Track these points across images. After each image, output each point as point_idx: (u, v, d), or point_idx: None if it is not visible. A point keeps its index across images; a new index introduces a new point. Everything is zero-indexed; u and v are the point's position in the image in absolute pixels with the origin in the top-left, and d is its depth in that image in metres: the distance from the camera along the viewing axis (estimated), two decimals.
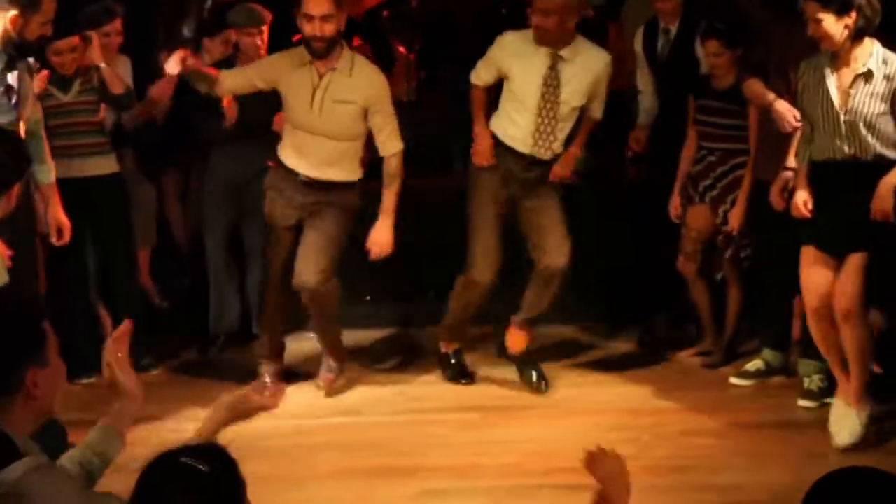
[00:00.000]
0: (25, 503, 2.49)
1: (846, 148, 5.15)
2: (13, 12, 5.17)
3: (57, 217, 5.72)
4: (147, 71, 6.80)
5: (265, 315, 6.37)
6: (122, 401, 3.10)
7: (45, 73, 5.89)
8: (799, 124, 5.57)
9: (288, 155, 5.94)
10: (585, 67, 5.96)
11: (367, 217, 5.98)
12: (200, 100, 6.38)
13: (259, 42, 6.66)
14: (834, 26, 4.99)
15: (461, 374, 6.33)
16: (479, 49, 6.27)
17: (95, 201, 6.13)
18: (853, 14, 4.95)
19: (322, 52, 5.69)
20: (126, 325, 3.17)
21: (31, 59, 5.52)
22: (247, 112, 6.46)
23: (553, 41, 5.89)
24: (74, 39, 6.09)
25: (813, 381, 5.85)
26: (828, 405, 5.62)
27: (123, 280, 6.46)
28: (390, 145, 5.90)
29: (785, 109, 5.70)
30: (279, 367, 6.30)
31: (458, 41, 9.00)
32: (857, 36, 5.01)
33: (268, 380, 6.09)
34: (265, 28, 6.69)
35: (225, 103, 6.43)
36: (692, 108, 6.29)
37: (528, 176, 6.06)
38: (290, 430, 5.58)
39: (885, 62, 5.04)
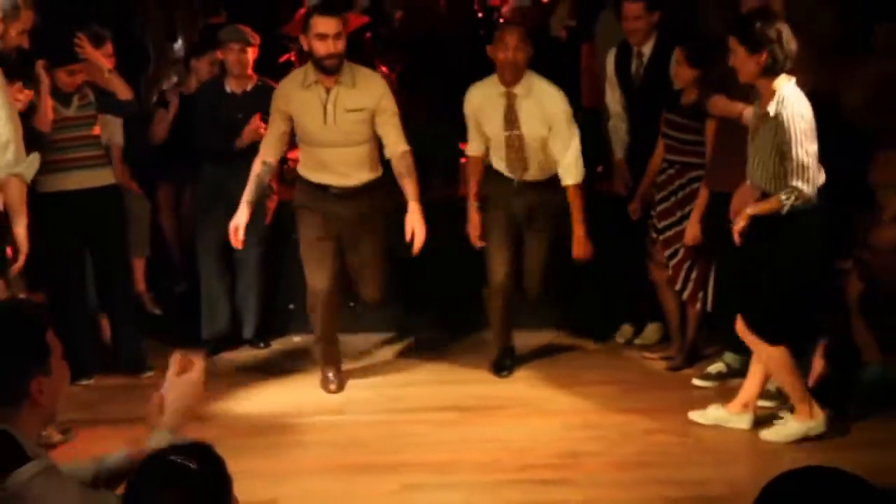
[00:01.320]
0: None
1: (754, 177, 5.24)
2: None
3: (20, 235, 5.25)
4: (135, 90, 6.81)
5: (318, 326, 6.22)
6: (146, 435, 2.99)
7: (19, 85, 5.62)
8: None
9: (312, 174, 5.98)
10: (539, 102, 6.07)
11: None
12: (209, 121, 6.58)
13: (245, 60, 6.68)
14: (746, 61, 5.08)
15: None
16: (459, 69, 6.28)
17: (94, 211, 6.12)
18: (764, 53, 5.00)
19: (335, 68, 5.72)
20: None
21: None
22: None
23: (512, 79, 6.04)
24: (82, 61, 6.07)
25: (770, 382, 5.85)
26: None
27: (120, 287, 6.42)
28: (401, 144, 5.91)
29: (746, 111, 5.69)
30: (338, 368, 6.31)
31: (439, 62, 9.00)
32: (766, 73, 5.05)
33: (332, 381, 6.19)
34: (252, 49, 6.69)
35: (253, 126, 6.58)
36: (662, 122, 6.31)
37: (522, 201, 6.25)
38: (277, 428, 5.57)
39: (781, 102, 5.04)
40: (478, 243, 6.32)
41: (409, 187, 5.86)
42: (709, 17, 6.57)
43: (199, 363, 3.04)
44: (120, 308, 6.41)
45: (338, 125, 5.77)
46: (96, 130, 6.21)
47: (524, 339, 6.74)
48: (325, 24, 5.66)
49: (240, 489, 2.46)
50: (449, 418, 5.78)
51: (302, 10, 8.31)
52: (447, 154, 8.18)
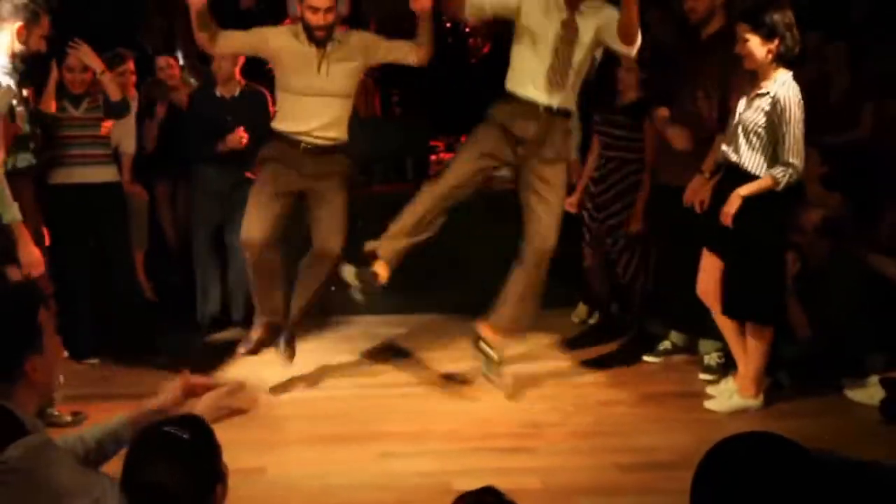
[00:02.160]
0: (23, 478, 2.45)
1: (732, 155, 5.17)
2: (19, 24, 5.00)
3: (29, 252, 4.92)
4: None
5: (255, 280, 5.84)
6: (155, 410, 2.99)
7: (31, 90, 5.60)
8: (687, 145, 5.58)
9: (288, 125, 5.61)
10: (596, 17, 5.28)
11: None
12: (201, 125, 6.52)
13: (228, 66, 6.62)
14: (758, 48, 4.98)
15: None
16: (428, 73, 6.24)
17: (97, 204, 6.07)
18: (776, 41, 4.95)
19: (324, 39, 5.45)
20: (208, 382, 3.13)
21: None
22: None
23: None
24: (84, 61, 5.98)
25: (712, 358, 5.90)
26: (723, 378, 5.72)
27: (120, 275, 6.35)
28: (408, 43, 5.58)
29: (674, 135, 5.70)
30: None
31: (411, 66, 8.98)
32: (776, 59, 4.99)
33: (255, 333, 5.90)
34: (239, 59, 6.62)
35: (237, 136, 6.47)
36: (598, 121, 6.34)
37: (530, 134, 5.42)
38: (263, 402, 5.53)
39: (782, 85, 4.99)
40: None
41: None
42: (654, 26, 6.57)
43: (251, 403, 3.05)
44: (119, 295, 6.33)
45: (330, 75, 5.51)
46: (103, 130, 6.14)
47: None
48: None
49: (229, 458, 2.46)
50: (420, 392, 5.80)
51: (287, 21, 8.28)
52: (420, 149, 8.19)
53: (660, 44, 6.41)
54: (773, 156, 5.00)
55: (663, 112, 5.76)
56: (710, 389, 5.64)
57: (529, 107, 5.37)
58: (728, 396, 5.41)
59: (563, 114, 5.43)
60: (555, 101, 5.34)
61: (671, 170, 5.86)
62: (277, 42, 5.54)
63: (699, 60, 5.64)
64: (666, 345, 6.31)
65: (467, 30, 9.15)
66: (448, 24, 9.24)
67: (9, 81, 4.98)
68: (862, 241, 5.84)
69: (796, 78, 5.04)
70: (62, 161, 5.98)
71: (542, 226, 5.42)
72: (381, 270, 5.49)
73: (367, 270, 5.47)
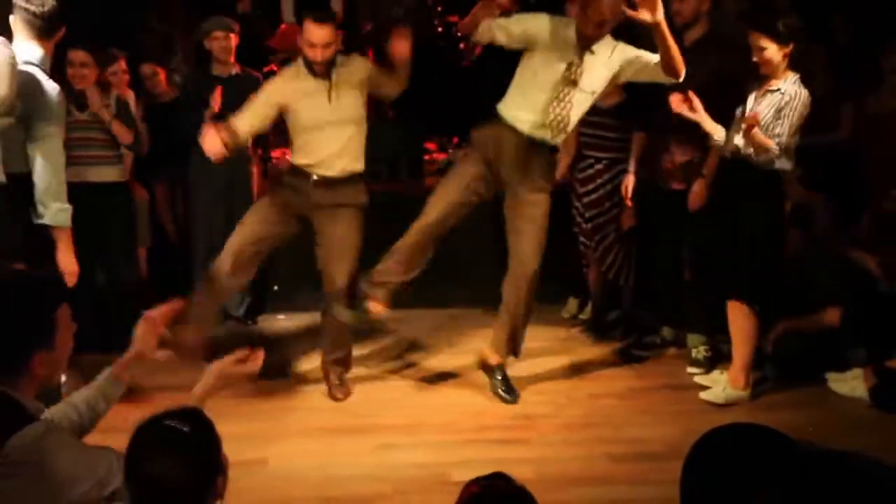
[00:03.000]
0: (28, 469, 2.45)
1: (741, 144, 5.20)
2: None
3: (68, 262, 4.84)
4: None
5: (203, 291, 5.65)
6: (131, 355, 3.08)
7: None
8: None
9: (301, 159, 5.50)
10: (607, 58, 5.21)
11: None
12: (186, 100, 6.48)
13: (226, 45, 6.55)
14: (776, 54, 5.05)
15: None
16: (421, 77, 6.20)
17: (103, 203, 6.00)
18: (791, 45, 5.02)
19: (323, 73, 5.33)
20: (176, 305, 3.14)
21: None
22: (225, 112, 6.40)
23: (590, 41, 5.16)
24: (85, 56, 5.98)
25: (699, 352, 5.90)
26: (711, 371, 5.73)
27: (125, 271, 6.31)
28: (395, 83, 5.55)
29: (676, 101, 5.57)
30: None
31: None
32: (789, 64, 5.09)
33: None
34: (233, 35, 6.58)
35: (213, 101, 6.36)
36: (584, 123, 6.34)
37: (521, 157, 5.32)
38: (264, 395, 5.53)
39: (793, 83, 5.09)
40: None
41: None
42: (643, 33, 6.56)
43: (257, 362, 3.03)
44: (124, 291, 6.30)
45: (341, 102, 5.37)
46: (117, 129, 6.12)
47: (482, 318, 6.74)
48: (315, 34, 5.26)
49: (232, 450, 2.46)
50: (417, 386, 5.79)
51: (283, 26, 8.29)
52: (413, 152, 8.19)
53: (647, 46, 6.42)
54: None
55: (676, 96, 5.71)
56: (699, 380, 5.66)
57: (517, 135, 5.27)
58: (722, 388, 5.41)
59: (551, 148, 5.36)
60: (546, 135, 5.27)
61: (658, 168, 5.86)
62: (284, 91, 5.41)
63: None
64: (655, 339, 6.31)
65: (459, 34, 9.13)
66: (440, 28, 9.23)
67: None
68: (844, 238, 5.85)
69: None
70: (68, 161, 5.91)
71: (521, 252, 5.38)
72: (377, 307, 5.45)
73: (363, 312, 5.45)
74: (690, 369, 5.86)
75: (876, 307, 5.51)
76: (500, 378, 5.56)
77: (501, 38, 5.24)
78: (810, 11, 6.06)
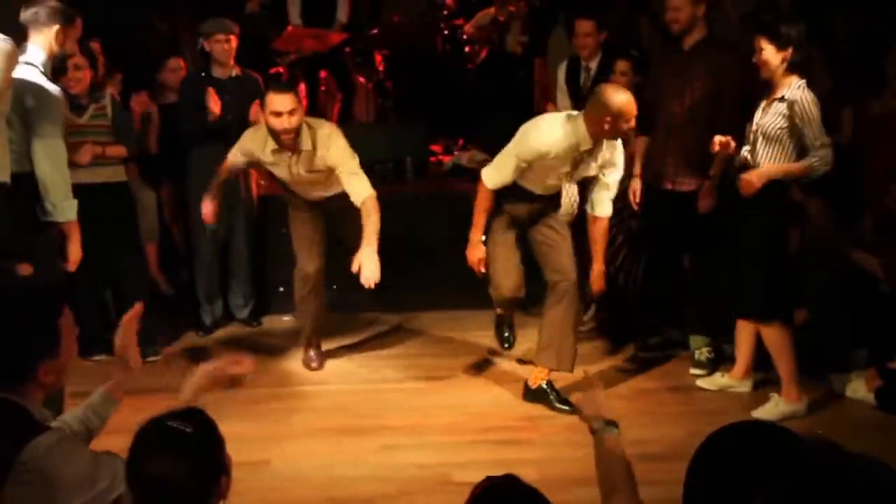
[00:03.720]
0: (38, 477, 2.45)
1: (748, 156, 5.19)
2: (56, 27, 4.82)
3: (74, 251, 4.95)
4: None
5: (309, 311, 6.06)
6: (122, 372, 3.04)
7: None
8: None
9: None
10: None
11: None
12: (185, 102, 6.49)
13: (227, 48, 6.52)
14: (773, 57, 5.04)
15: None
16: (426, 79, 6.20)
17: (105, 203, 5.92)
18: (790, 49, 5.00)
19: (291, 143, 5.34)
20: (138, 308, 3.12)
21: None
22: (225, 115, 6.43)
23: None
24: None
25: (702, 353, 5.89)
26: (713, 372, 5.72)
27: (129, 272, 6.25)
28: (363, 191, 5.33)
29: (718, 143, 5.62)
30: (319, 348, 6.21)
31: (410, 73, 8.99)
32: (789, 68, 5.05)
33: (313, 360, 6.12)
34: (233, 37, 6.55)
35: (211, 101, 6.37)
36: None
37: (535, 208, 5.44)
38: (269, 396, 5.55)
39: (797, 88, 5.05)
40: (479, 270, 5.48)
41: (369, 228, 5.20)
42: (643, 35, 6.58)
43: (245, 367, 3.02)
44: (129, 291, 6.28)
45: (303, 176, 5.52)
46: (112, 152, 6.11)
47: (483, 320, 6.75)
48: (278, 102, 5.24)
49: (236, 451, 2.45)
50: (420, 387, 5.79)
51: (290, 28, 8.28)
52: (419, 153, 8.19)
53: (649, 52, 6.44)
54: (798, 157, 5.09)
55: (719, 139, 5.66)
56: (701, 382, 5.65)
57: (527, 194, 5.34)
58: (774, 404, 5.29)
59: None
60: (551, 190, 5.34)
61: (661, 173, 5.85)
62: (252, 151, 5.58)
63: (683, 70, 5.66)
64: (658, 340, 6.30)
65: (465, 37, 9.14)
66: (446, 31, 9.23)
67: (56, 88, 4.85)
68: (844, 239, 5.83)
69: None
70: (69, 164, 5.88)
71: (561, 265, 5.38)
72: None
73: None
74: (693, 370, 5.85)
75: (877, 308, 5.49)
76: (551, 394, 5.45)
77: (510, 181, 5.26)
78: (810, 12, 6.04)
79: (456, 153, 8.49)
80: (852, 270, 5.62)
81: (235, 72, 6.64)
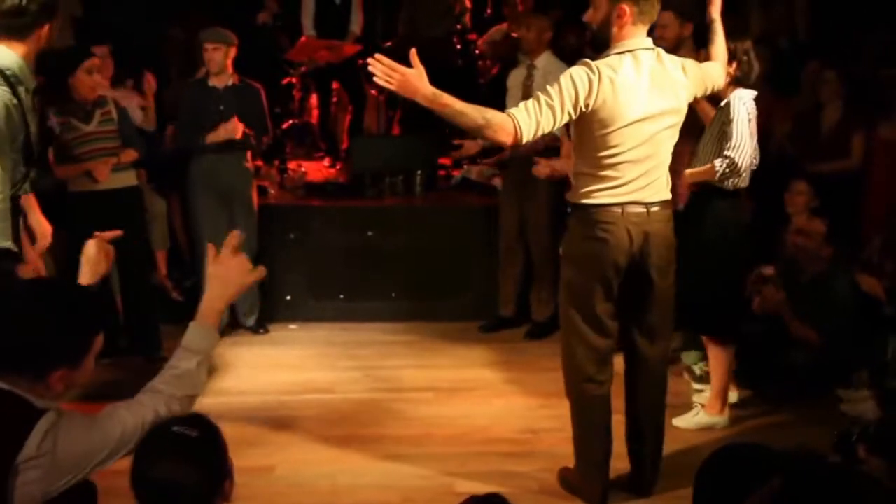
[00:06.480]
0: (49, 460, 2.45)
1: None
2: (46, 25, 4.35)
3: (39, 222, 4.74)
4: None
5: None
6: (208, 290, 2.93)
7: None
8: None
9: None
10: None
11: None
12: (193, 116, 6.49)
13: (217, 57, 6.47)
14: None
15: None
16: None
17: (115, 208, 5.90)
18: (734, 65, 4.97)
19: None
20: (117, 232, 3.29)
21: None
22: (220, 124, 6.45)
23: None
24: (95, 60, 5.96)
25: (700, 368, 5.86)
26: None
27: (138, 276, 6.25)
28: None
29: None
30: None
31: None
32: (734, 82, 5.01)
33: None
34: (231, 50, 6.51)
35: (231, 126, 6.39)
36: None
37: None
38: (275, 404, 5.58)
39: (736, 98, 5.01)
40: None
41: None
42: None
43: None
44: (138, 296, 6.29)
45: None
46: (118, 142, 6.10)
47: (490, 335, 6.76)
48: None
49: (241, 457, 2.47)
50: (425, 398, 5.79)
51: (303, 39, 8.31)
52: (429, 164, 8.20)
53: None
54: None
55: None
56: (697, 398, 5.63)
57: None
58: (695, 414, 5.39)
59: None
60: None
61: None
62: None
63: None
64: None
65: (477, 52, 9.17)
66: (459, 46, 9.25)
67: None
68: (851, 262, 5.83)
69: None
70: (87, 177, 5.91)
71: None
72: None
73: None
74: (695, 386, 5.84)
75: (880, 330, 5.48)
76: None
77: None
78: (830, 37, 6.05)
79: (465, 167, 8.50)
80: (857, 293, 5.62)
81: (233, 81, 6.61)
